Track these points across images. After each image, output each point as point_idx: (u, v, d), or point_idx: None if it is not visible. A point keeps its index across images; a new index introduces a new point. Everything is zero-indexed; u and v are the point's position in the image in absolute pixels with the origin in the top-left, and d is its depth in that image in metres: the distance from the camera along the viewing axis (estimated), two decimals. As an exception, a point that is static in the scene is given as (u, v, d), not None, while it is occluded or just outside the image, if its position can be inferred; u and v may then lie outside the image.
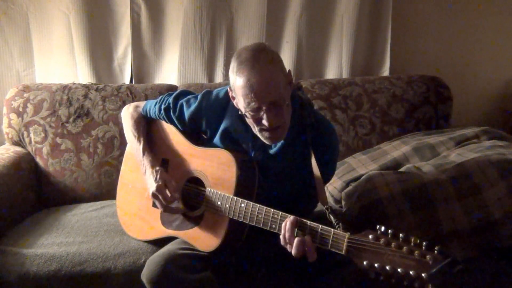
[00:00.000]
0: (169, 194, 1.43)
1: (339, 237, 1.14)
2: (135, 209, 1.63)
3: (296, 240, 1.18)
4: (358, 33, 2.34)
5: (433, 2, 2.41)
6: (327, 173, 1.47)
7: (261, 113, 1.26)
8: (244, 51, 1.28)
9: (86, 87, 2.13)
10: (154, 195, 1.43)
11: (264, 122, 1.27)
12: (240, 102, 1.29)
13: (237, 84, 1.26)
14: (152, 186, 1.44)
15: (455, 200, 1.56)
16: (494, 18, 2.45)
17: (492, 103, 2.55)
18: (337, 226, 1.21)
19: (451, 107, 2.20)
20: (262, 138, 1.34)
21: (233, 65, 1.28)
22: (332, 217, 1.25)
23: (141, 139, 1.56)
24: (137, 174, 1.61)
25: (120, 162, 1.75)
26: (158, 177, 1.44)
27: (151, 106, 1.59)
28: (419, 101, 2.17)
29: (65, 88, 2.11)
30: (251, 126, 1.35)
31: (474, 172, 1.59)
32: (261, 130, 1.31)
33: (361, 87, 2.19)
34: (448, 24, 2.44)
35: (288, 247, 1.21)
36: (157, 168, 1.47)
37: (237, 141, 1.45)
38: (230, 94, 1.37)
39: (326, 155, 1.42)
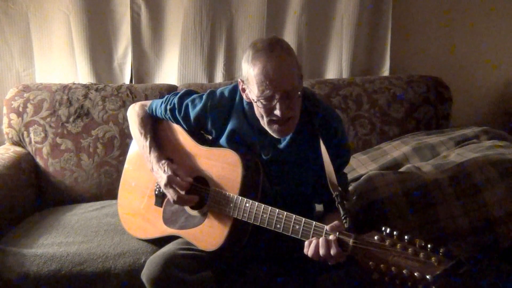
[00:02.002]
0: (181, 181, 1.42)
1: (344, 238, 1.14)
2: (137, 208, 1.62)
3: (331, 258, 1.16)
4: (358, 33, 2.34)
5: (433, 2, 2.41)
6: (340, 159, 1.45)
7: (274, 103, 1.27)
8: (260, 41, 1.30)
9: (86, 87, 2.13)
10: (166, 185, 1.42)
11: (276, 112, 1.27)
12: (253, 91, 1.29)
13: (253, 71, 1.26)
14: (162, 178, 1.43)
15: (455, 200, 1.56)
16: (494, 19, 2.44)
17: (492, 103, 2.55)
18: (344, 221, 1.20)
19: (451, 107, 2.20)
20: (270, 131, 1.34)
21: (248, 54, 1.29)
22: (341, 209, 1.24)
23: (148, 136, 1.56)
24: (141, 173, 1.61)
25: (120, 162, 1.75)
26: (166, 168, 1.45)
27: (157, 106, 1.60)
28: (419, 101, 2.17)
29: (65, 88, 2.11)
30: (260, 118, 1.34)
31: (474, 172, 1.59)
32: (270, 122, 1.32)
33: (361, 87, 2.19)
34: (448, 24, 2.43)
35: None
36: (164, 161, 1.47)
37: (244, 141, 1.45)
38: (240, 86, 1.37)
39: (335, 140, 1.42)
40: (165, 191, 1.45)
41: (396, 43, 2.40)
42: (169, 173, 1.43)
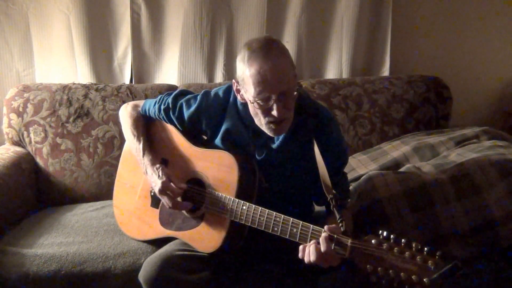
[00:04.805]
0: (175, 187, 1.42)
1: (342, 241, 1.13)
2: (133, 209, 1.62)
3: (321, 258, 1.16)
4: (358, 33, 2.34)
5: (433, 2, 2.42)
6: (338, 160, 1.45)
7: (271, 103, 1.26)
8: (255, 41, 1.28)
9: (86, 87, 2.13)
10: (161, 192, 1.41)
11: (274, 113, 1.26)
12: (249, 91, 1.28)
13: (249, 72, 1.25)
14: (157, 183, 1.43)
15: (455, 200, 1.56)
16: (493, 19, 2.44)
17: (492, 103, 2.55)
18: (340, 225, 1.20)
19: (451, 107, 2.21)
20: (266, 130, 1.33)
21: (243, 54, 1.27)
22: (336, 212, 1.24)
23: (141, 138, 1.55)
24: (135, 174, 1.61)
25: (121, 162, 1.75)
26: (161, 173, 1.44)
27: (150, 106, 1.59)
28: (419, 101, 2.17)
29: (65, 88, 2.11)
30: (254, 117, 1.34)
31: (474, 172, 1.59)
32: (268, 122, 1.31)
33: (361, 87, 2.20)
34: (448, 24, 2.44)
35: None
36: (158, 165, 1.47)
37: (238, 142, 1.44)
38: (234, 87, 1.36)
39: (331, 142, 1.41)
40: (159, 196, 1.44)
41: (396, 43, 2.40)
42: (164, 178, 1.42)
